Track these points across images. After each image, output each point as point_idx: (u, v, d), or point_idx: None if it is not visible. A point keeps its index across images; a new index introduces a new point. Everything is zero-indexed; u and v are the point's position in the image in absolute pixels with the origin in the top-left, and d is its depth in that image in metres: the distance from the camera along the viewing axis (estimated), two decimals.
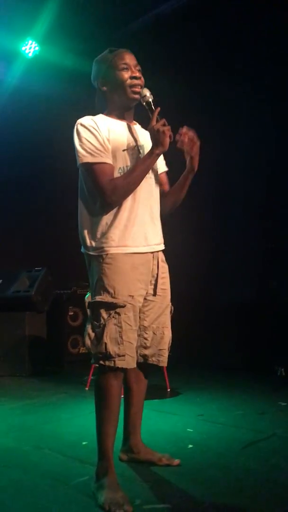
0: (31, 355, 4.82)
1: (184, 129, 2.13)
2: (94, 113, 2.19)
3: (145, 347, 2.15)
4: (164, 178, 2.34)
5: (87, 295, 4.25)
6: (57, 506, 1.82)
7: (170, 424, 2.92)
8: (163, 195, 2.26)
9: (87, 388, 3.97)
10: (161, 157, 2.27)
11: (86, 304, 4.16)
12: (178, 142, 2.12)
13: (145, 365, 2.20)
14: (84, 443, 2.53)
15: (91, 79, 2.23)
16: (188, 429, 2.79)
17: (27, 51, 5.80)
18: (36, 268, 5.17)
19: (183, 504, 1.83)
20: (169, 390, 3.84)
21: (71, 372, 4.97)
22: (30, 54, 5.80)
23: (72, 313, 5.29)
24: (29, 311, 4.90)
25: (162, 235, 2.20)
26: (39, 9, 5.20)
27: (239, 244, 4.97)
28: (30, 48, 5.78)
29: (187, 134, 2.13)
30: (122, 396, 2.11)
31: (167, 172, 2.37)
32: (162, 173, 2.32)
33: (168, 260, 2.26)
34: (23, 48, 5.79)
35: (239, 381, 4.18)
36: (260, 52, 4.77)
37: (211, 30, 5.03)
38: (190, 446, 2.49)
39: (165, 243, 2.23)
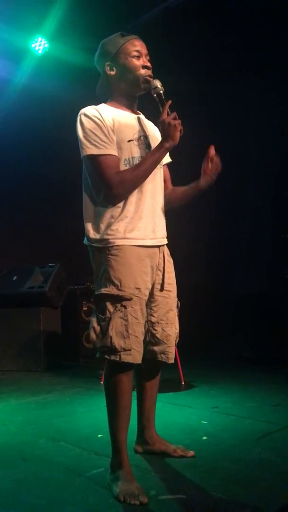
0: (46, 350, 4.87)
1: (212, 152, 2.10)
2: (95, 97, 2.14)
3: (154, 344, 2.12)
4: (166, 173, 2.28)
5: None
6: (73, 497, 1.84)
7: (184, 417, 2.93)
8: (167, 191, 2.22)
9: (102, 382, 3.99)
10: None
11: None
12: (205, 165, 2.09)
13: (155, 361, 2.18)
14: (99, 435, 2.56)
15: (95, 61, 2.16)
16: (202, 421, 2.80)
17: (36, 48, 5.82)
18: (49, 264, 5.22)
19: (197, 494, 1.84)
20: (183, 383, 3.86)
21: (86, 366, 5.01)
22: (40, 51, 5.82)
23: (86, 308, 5.33)
24: (44, 306, 4.95)
25: (165, 228, 2.15)
26: (48, 5, 5.22)
27: (252, 234, 4.95)
28: (39, 45, 5.80)
29: (213, 159, 2.09)
30: (134, 390, 2.12)
31: (169, 165, 2.31)
32: (164, 165, 2.26)
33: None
34: (33, 45, 5.81)
35: (253, 374, 4.18)
36: (271, 44, 4.74)
37: (221, 22, 5.00)
38: (205, 437, 2.50)
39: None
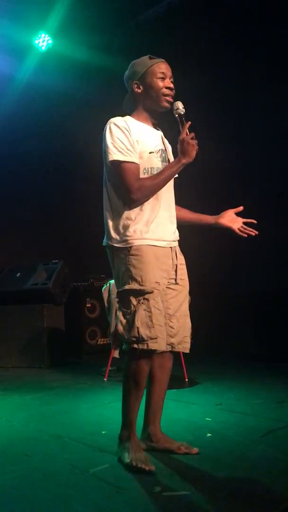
0: (49, 346, 4.88)
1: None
2: (119, 110, 2.29)
3: (172, 336, 2.23)
4: None
5: (104, 287, 4.29)
6: (77, 494, 1.85)
7: (188, 413, 2.93)
8: None
9: (105, 379, 4.00)
10: None
11: (104, 295, 4.22)
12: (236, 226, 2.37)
13: (171, 354, 2.30)
14: (103, 432, 2.56)
15: (125, 79, 2.34)
16: (206, 418, 2.80)
17: (40, 45, 5.81)
18: (53, 261, 5.22)
19: (202, 491, 1.84)
20: (187, 380, 3.86)
21: (89, 363, 5.02)
22: (43, 48, 5.81)
23: (89, 305, 5.33)
24: (47, 303, 4.96)
25: (177, 231, 2.32)
26: (52, 2, 5.20)
27: (259, 232, 4.93)
28: (43, 41, 5.79)
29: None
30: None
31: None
32: None
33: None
34: (36, 42, 5.80)
35: (257, 371, 4.18)
36: (276, 39, 4.71)
37: (223, 18, 4.98)
38: (209, 434, 2.50)
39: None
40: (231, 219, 2.40)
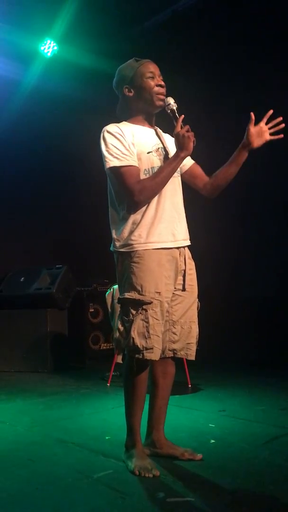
0: (53, 351, 4.88)
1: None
2: (114, 116, 2.30)
3: (174, 341, 2.24)
4: (197, 170, 2.39)
5: (107, 292, 4.29)
6: (81, 499, 1.85)
7: (192, 420, 2.93)
8: (206, 182, 2.34)
9: (108, 384, 4.00)
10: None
11: (108, 301, 4.24)
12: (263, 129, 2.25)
13: (173, 360, 2.30)
14: (107, 437, 2.56)
15: (114, 86, 2.35)
16: (210, 425, 2.80)
17: (45, 51, 5.84)
18: (57, 266, 5.24)
19: (206, 497, 1.84)
20: (190, 386, 3.85)
21: (92, 368, 5.01)
22: (49, 54, 5.85)
23: (92, 310, 5.34)
24: (51, 308, 4.96)
25: (187, 231, 2.29)
26: (58, 8, 5.24)
27: (260, 237, 4.94)
28: (48, 47, 5.83)
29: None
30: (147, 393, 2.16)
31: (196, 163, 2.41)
32: (192, 165, 2.38)
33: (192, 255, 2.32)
34: (42, 48, 5.84)
35: (260, 377, 4.17)
36: (280, 49, 4.73)
37: (228, 25, 5.00)
38: (212, 441, 2.50)
39: (190, 240, 2.30)
40: (258, 134, 2.27)
